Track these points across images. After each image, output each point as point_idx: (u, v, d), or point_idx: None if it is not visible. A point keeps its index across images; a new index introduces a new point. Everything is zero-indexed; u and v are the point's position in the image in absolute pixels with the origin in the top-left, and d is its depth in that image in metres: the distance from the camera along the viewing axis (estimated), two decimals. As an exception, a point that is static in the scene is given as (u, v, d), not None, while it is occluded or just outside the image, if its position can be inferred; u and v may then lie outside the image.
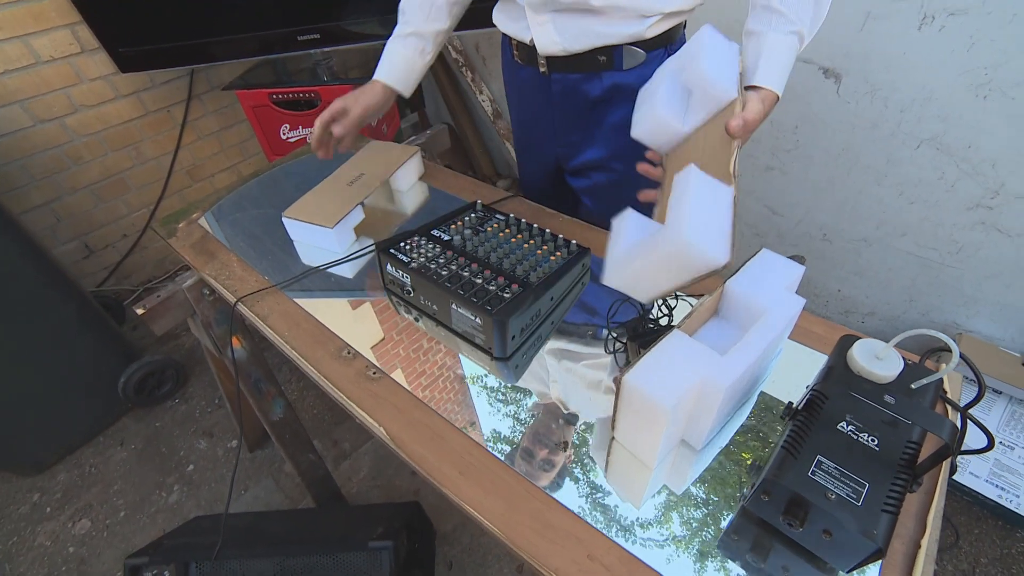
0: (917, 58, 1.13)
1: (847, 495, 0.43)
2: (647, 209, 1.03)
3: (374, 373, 0.69)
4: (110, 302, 1.90)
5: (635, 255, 0.56)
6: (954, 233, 1.32)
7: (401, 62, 0.87)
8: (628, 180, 0.92)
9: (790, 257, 0.64)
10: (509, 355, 0.68)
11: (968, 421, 0.48)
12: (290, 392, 1.69)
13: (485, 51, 2.09)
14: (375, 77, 0.87)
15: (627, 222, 0.60)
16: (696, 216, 0.51)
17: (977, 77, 1.10)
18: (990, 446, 0.47)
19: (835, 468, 0.45)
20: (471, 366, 0.71)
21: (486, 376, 0.70)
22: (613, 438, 0.59)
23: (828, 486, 0.44)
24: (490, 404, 0.67)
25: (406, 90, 0.89)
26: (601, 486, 0.57)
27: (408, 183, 1.07)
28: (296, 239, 0.94)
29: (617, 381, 0.52)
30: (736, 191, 0.56)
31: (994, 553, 1.25)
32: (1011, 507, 1.24)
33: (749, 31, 0.66)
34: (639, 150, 0.87)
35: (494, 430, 0.63)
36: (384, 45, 0.88)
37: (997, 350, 1.38)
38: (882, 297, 1.53)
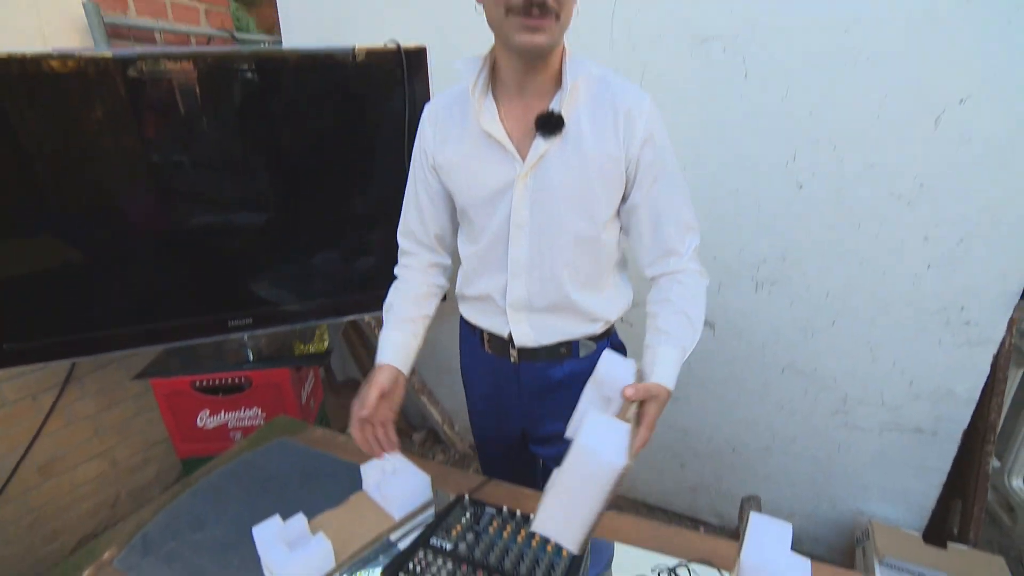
0: (762, 311, 1.52)
1: None
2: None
3: None
4: None
5: (551, 487, 0.64)
6: (829, 434, 1.59)
7: (400, 346, 0.96)
8: None
9: (744, 499, 0.77)
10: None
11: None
12: None
13: (397, 312, 2.28)
14: (381, 361, 0.93)
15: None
16: (589, 432, 0.64)
17: (801, 323, 1.50)
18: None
19: None
20: None
21: None
22: None
23: None
24: None
25: (407, 369, 0.96)
26: None
27: None
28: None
29: None
30: (633, 430, 0.69)
31: None
32: None
33: (647, 344, 0.86)
34: None
35: None
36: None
37: (901, 532, 1.56)
38: (794, 496, 1.71)
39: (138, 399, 1.99)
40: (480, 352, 1.04)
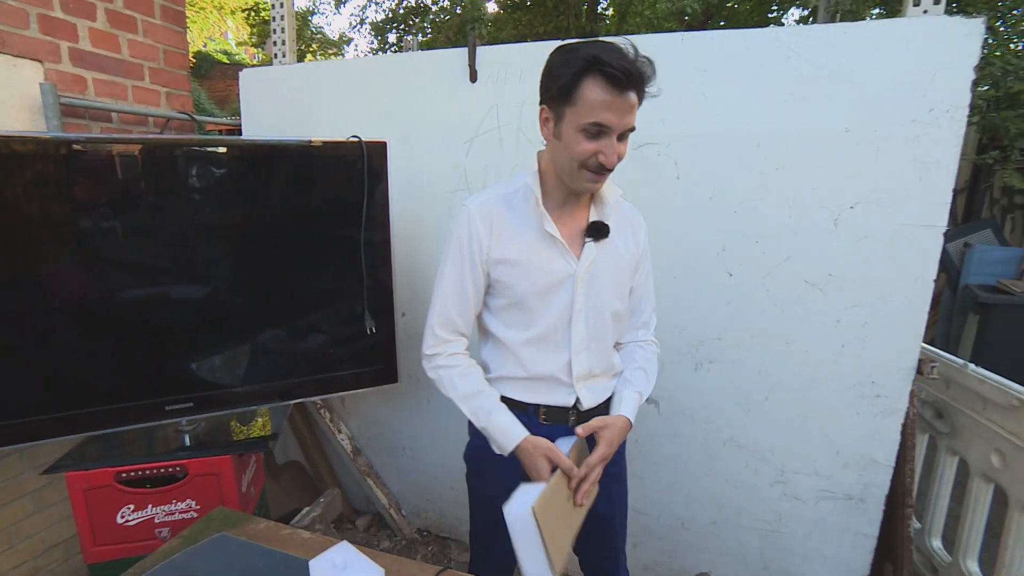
0: (702, 388, 1.63)
1: None
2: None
3: None
4: None
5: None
6: (771, 505, 1.67)
7: (515, 419, 1.06)
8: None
9: None
10: None
11: None
12: None
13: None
14: (519, 438, 1.02)
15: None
16: (513, 499, 0.92)
17: (739, 399, 1.61)
18: None
19: None
20: None
21: None
22: None
23: None
24: None
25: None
26: None
27: None
28: None
29: None
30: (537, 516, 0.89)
31: None
32: None
33: (615, 390, 1.14)
34: (622, 465, 1.23)
35: None
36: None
37: (840, 601, 1.62)
38: (745, 569, 1.74)
39: (38, 495, 1.77)
40: (527, 426, 1.07)
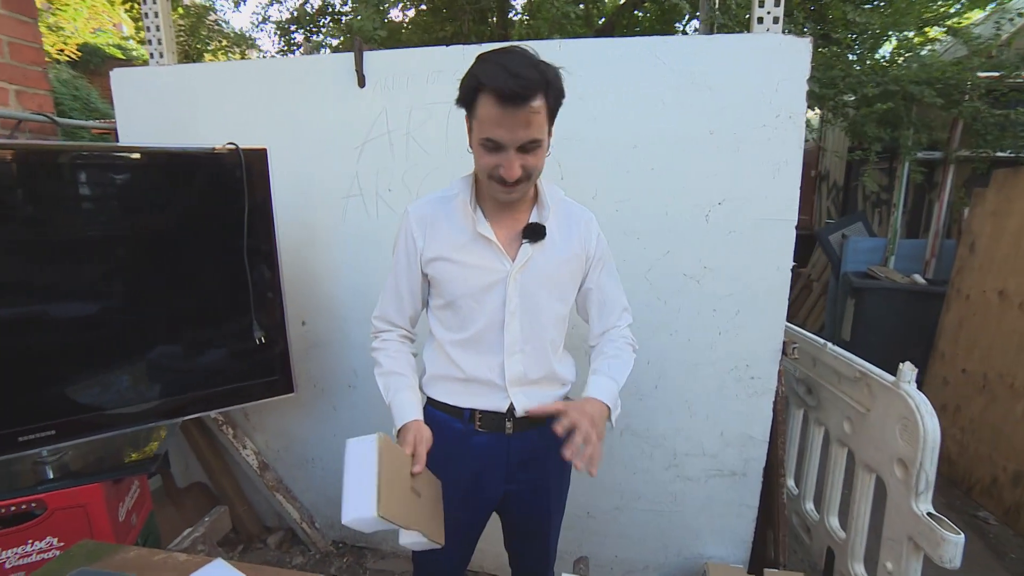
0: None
1: None
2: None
3: None
4: None
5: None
6: (667, 488, 1.77)
7: (417, 403, 1.08)
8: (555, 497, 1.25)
9: (575, 561, 0.86)
10: None
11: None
12: None
13: (248, 407, 2.12)
14: (409, 418, 1.04)
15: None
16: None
17: (631, 389, 1.67)
18: None
19: None
20: None
21: None
22: None
23: None
24: None
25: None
26: None
27: None
28: None
29: None
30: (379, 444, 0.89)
31: None
32: None
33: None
34: (564, 481, 1.26)
35: None
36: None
37: (730, 568, 1.75)
38: (646, 550, 1.84)
39: None
40: (464, 434, 1.11)
